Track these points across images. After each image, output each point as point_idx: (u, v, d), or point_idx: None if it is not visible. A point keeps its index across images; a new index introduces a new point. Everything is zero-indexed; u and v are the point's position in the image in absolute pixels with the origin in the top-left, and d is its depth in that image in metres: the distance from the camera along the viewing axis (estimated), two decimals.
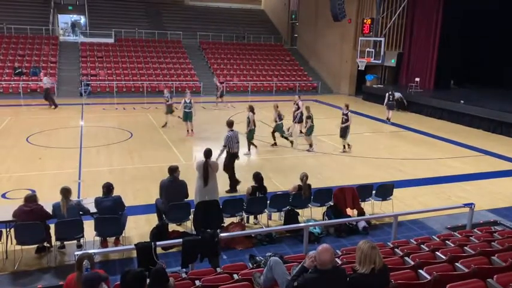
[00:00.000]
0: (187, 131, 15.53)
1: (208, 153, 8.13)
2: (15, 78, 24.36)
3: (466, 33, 23.80)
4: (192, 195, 7.97)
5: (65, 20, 36.17)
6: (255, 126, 13.32)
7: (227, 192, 9.81)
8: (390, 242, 6.41)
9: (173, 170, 7.61)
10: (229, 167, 10.16)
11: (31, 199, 6.61)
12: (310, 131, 13.92)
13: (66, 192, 6.69)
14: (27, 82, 24.21)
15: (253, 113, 13.27)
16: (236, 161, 10.33)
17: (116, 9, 33.71)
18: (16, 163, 11.80)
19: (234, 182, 10.14)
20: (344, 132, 13.76)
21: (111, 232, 7.09)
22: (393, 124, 19.21)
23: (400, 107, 22.03)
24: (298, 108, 15.12)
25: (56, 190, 6.81)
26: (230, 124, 10.38)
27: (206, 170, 7.98)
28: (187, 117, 15.36)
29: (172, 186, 7.55)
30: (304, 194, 8.21)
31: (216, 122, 18.09)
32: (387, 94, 20.09)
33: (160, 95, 25.16)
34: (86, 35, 30.59)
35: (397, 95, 21.49)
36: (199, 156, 8.56)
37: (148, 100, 24.06)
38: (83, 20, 34.57)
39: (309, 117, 13.84)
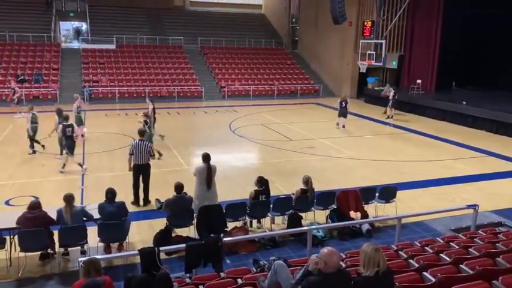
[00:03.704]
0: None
1: (208, 157, 8.13)
2: (17, 85, 24.44)
3: (466, 34, 23.85)
4: None
5: (66, 27, 36.36)
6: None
7: (132, 203, 9.13)
8: (394, 244, 6.38)
9: (181, 188, 7.61)
10: (133, 179, 9.38)
11: (35, 206, 6.61)
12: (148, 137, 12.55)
13: (69, 198, 6.69)
14: (29, 89, 24.32)
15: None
16: (237, 165, 10.22)
17: (117, 15, 33.87)
18: (19, 170, 11.83)
19: (136, 196, 9.38)
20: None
21: (115, 238, 7.11)
22: (395, 126, 19.20)
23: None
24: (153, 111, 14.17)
25: (59, 196, 6.81)
26: (140, 133, 9.69)
27: (209, 174, 7.99)
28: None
29: (180, 205, 7.54)
30: (310, 196, 8.21)
31: (215, 126, 18.12)
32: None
33: (161, 101, 25.37)
34: (88, 42, 30.72)
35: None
36: (198, 162, 8.45)
37: None
38: (84, 26, 34.74)
39: (147, 122, 12.68)
